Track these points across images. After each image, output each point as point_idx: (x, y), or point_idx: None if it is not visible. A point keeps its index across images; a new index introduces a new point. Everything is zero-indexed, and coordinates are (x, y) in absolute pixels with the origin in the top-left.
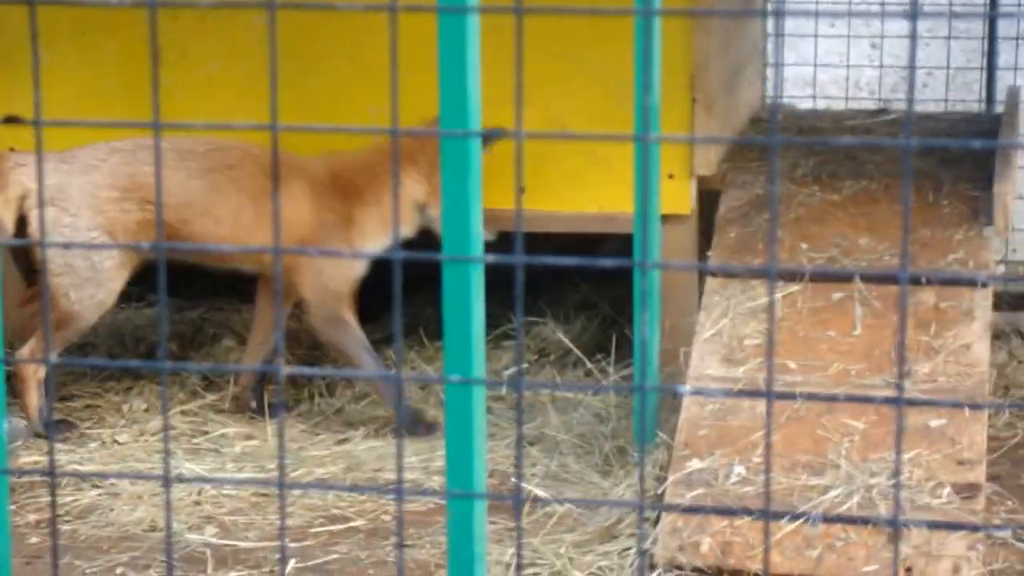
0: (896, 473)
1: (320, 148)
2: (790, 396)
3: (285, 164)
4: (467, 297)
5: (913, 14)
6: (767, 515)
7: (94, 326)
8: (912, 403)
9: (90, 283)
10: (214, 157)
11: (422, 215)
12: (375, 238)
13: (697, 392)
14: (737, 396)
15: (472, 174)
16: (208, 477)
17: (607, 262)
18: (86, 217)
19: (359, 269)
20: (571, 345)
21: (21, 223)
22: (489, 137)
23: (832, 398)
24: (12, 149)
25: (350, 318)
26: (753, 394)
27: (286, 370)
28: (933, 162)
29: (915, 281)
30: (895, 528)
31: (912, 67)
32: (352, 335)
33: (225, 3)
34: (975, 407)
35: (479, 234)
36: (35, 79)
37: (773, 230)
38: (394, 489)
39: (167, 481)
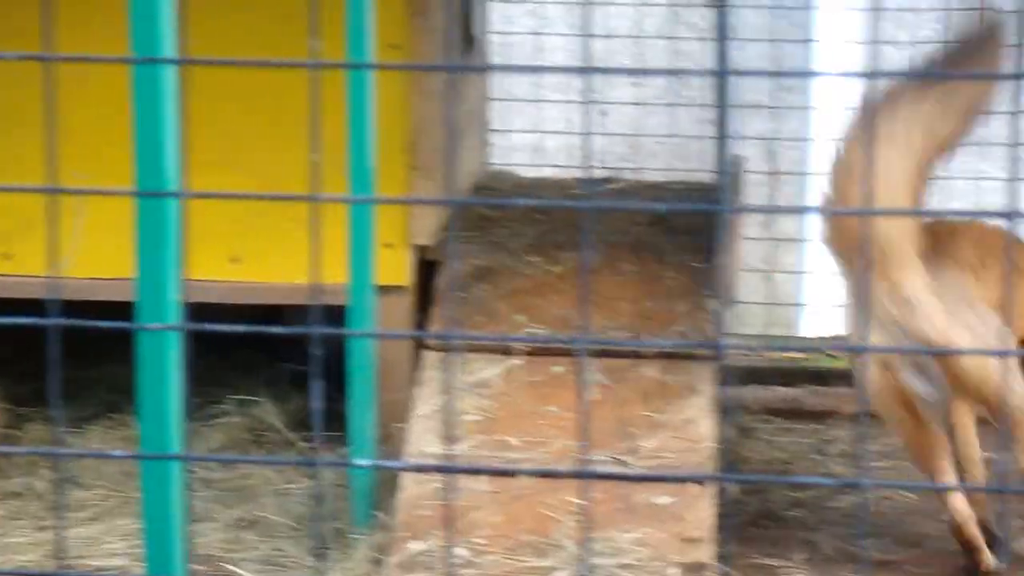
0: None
1: None
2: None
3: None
4: (163, 368)
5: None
6: None
7: None
8: (601, 476)
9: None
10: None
11: None
12: None
13: (378, 466)
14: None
15: (170, 237)
16: None
17: (279, 330)
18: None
19: None
20: (280, 425)
21: None
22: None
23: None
24: None
25: None
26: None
27: None
28: (657, 232)
29: (638, 355)
30: None
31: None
32: None
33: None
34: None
35: (177, 301)
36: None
37: None
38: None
39: None
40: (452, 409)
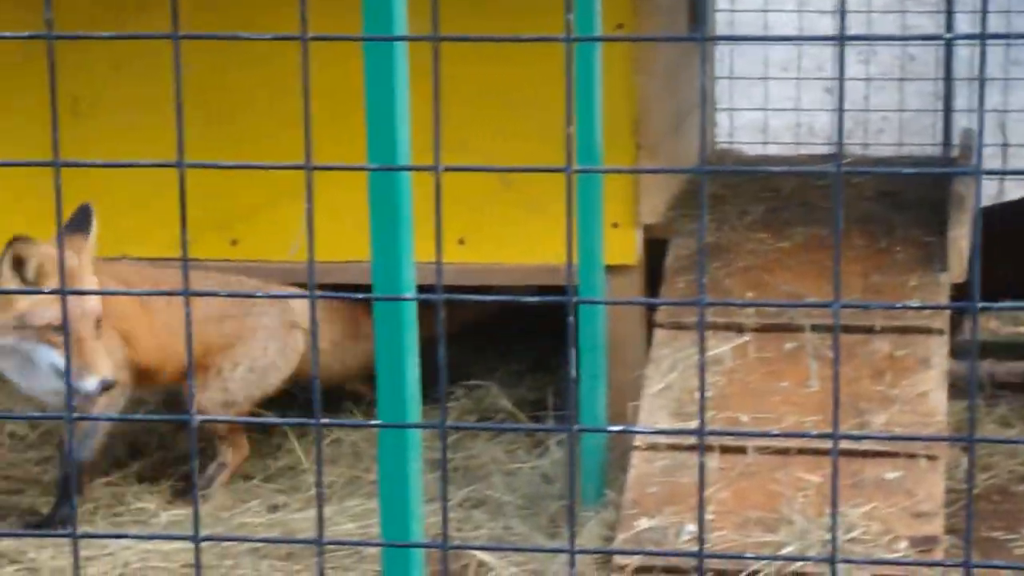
0: (833, 527)
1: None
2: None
3: None
4: (400, 338)
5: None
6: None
7: None
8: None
9: None
10: None
11: None
12: None
13: (624, 430)
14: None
15: (403, 211)
16: (114, 533)
17: (531, 300)
18: None
19: None
20: (511, 406)
21: None
22: None
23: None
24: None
25: None
26: (683, 431)
27: None
28: (885, 207)
29: (869, 330)
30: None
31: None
32: None
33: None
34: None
35: (411, 274)
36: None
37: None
38: (315, 540)
39: (75, 539)
40: (684, 387)
